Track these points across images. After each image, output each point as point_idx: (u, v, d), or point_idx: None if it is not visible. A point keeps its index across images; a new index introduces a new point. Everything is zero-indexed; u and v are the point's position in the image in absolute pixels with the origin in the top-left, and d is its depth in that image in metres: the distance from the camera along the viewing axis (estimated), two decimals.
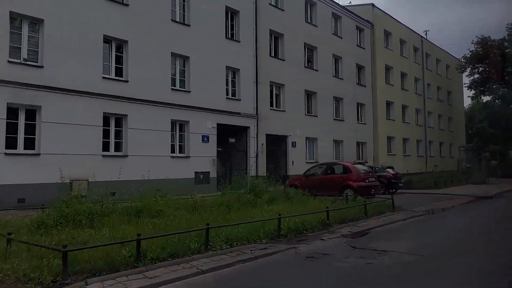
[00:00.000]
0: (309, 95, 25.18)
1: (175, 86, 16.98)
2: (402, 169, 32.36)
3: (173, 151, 16.68)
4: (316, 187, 14.22)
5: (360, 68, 30.32)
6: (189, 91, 17.30)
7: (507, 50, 37.85)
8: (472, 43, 38.97)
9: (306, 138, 24.19)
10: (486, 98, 41.49)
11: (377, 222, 9.44)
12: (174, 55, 16.95)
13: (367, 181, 13.73)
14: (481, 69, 39.46)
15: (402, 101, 34.59)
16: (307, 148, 24.50)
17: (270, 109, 21.79)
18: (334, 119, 26.77)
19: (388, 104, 33.06)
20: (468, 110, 51.90)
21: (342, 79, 27.77)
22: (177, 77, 17.17)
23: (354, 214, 9.99)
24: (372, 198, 13.50)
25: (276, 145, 22.39)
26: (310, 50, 25.45)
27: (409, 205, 12.79)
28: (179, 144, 17.10)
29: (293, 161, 22.73)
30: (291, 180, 17.13)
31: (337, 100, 27.51)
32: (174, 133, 16.94)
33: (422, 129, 37.75)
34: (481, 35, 38.32)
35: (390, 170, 18.99)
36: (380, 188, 15.01)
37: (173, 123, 16.80)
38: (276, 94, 22.73)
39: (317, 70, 25.40)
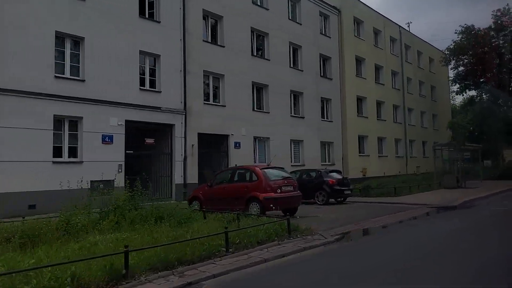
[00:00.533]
0: (259, 89, 21.89)
1: (63, 74, 13.65)
2: (378, 171, 29.15)
3: (58, 155, 13.34)
4: (219, 200, 10.99)
5: (325, 59, 27.04)
6: (83, 80, 13.97)
7: (493, 40, 34.74)
8: (456, 32, 35.88)
9: (255, 137, 20.87)
10: (472, 93, 38.30)
11: (222, 267, 5.83)
12: (61, 35, 13.64)
13: (279, 191, 10.27)
14: (465, 61, 36.38)
15: (377, 96, 31.31)
16: (256, 150, 21.18)
17: (205, 103, 18.48)
18: (291, 116, 23.44)
19: (360, 99, 29.77)
20: (460, 106, 48.75)
21: (302, 71, 24.47)
22: (67, 62, 13.85)
23: (208, 248, 6.45)
24: (289, 215, 10.16)
25: (213, 146, 19.08)
26: (259, 36, 22.16)
27: (332, 223, 9.52)
28: (69, 146, 13.76)
29: (236, 165, 19.37)
30: (195, 190, 13.49)
31: (296, 94, 24.22)
32: (62, 132, 13.60)
33: (402, 127, 34.46)
34: (465, 24, 35.24)
35: (335, 175, 15.53)
36: (300, 199, 11.22)
37: (60, 120, 13.47)
38: (215, 86, 19.44)
39: (268, 60, 22.12)
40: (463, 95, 37.26)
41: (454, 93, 37.42)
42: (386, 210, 12.20)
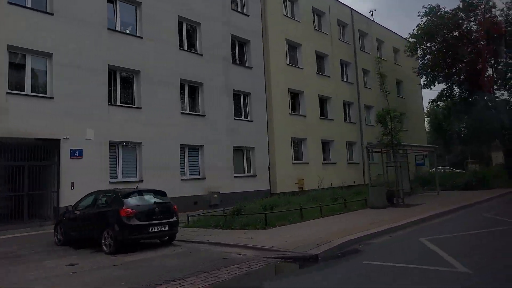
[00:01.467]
0: (125, 78, 16.14)
1: None
2: (324, 182, 23.33)
3: None
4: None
5: (242, 43, 21.39)
6: None
7: (461, 21, 29.26)
8: (419, 15, 30.34)
9: (112, 142, 15.02)
10: (441, 86, 32.65)
11: None
12: None
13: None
14: (433, 48, 30.86)
15: (319, 90, 25.61)
16: (120, 159, 15.33)
17: (13, 94, 12.69)
18: (183, 113, 17.66)
19: (294, 94, 24.07)
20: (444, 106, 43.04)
21: (202, 55, 18.78)
22: None
23: None
24: None
25: (34, 156, 13.19)
26: (126, 8, 16.47)
27: None
28: None
29: (73, 182, 13.49)
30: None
31: (192, 86, 18.50)
32: None
33: (356, 128, 28.75)
34: (429, 4, 29.76)
35: (140, 200, 9.08)
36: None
37: None
38: (35, 70, 13.66)
39: (141, 38, 16.41)
40: (431, 88, 31.67)
41: (421, 86, 31.87)
42: (205, 264, 6.48)
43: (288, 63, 23.67)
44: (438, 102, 32.06)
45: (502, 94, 30.39)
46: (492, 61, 29.36)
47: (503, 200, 16.22)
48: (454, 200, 15.48)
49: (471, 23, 29.63)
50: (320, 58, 26.59)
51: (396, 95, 34.86)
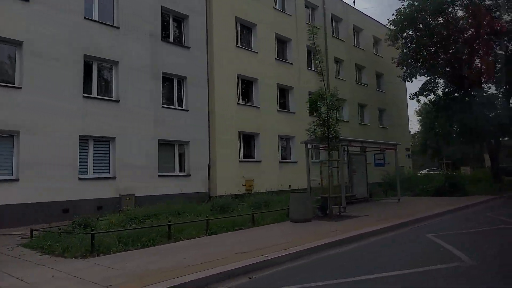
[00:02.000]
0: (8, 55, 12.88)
1: None
2: (279, 183, 20.09)
3: None
4: None
5: (178, 18, 18.12)
6: None
7: (445, 6, 25.95)
8: None
9: None
10: (422, 79, 29.37)
11: None
12: None
13: None
14: (415, 37, 27.60)
15: (280, 79, 22.33)
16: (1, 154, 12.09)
17: None
18: (86, 96, 14.35)
19: (247, 82, 20.80)
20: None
21: (118, 28, 15.50)
22: None
23: None
24: None
25: None
26: None
27: None
28: None
29: None
30: None
31: (103, 67, 15.24)
32: None
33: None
34: None
35: None
36: None
37: None
38: None
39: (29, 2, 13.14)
40: (411, 81, 28.37)
41: (400, 79, 28.62)
42: None
43: (239, 45, 20.38)
44: (420, 97, 28.74)
45: (489, 88, 27.09)
46: (481, 52, 26.08)
47: (464, 215, 12.61)
48: (406, 212, 12.18)
49: (457, 8, 26.39)
50: (281, 42, 23.31)
51: (375, 88, 31.62)
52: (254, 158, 20.38)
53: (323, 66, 12.70)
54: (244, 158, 19.88)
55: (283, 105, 23.09)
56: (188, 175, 17.34)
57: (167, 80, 17.26)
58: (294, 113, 23.09)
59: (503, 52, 26.39)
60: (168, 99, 17.24)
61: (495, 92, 27.18)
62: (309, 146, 14.68)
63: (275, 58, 22.29)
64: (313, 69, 25.33)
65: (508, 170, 44.64)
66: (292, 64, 23.39)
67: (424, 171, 52.39)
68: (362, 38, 30.81)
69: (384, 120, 32.61)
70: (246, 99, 20.72)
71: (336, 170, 12.87)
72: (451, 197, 17.15)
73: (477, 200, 15.76)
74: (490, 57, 26.12)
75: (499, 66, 25.97)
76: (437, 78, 28.14)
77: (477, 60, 26.80)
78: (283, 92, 23.21)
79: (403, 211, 12.45)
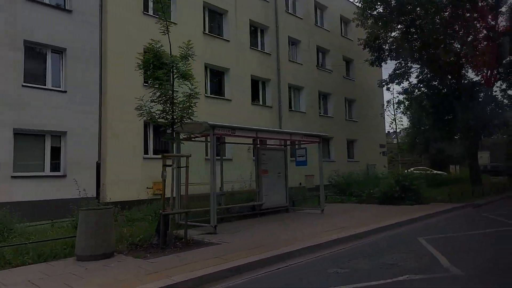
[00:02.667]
0: None
1: None
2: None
3: None
4: None
5: None
6: None
7: None
8: None
9: None
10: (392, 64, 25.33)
11: None
12: None
13: None
14: (384, 14, 23.53)
15: (211, 58, 18.29)
16: None
17: None
18: None
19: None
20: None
21: None
22: None
23: None
24: None
25: None
26: None
27: None
28: None
29: None
30: None
31: None
32: None
33: (272, 114, 21.48)
34: None
35: None
36: None
37: None
38: None
39: None
40: (379, 66, 24.31)
41: (367, 63, 24.58)
42: None
43: (144, 11, 16.33)
44: (390, 85, 24.71)
45: (466, 72, 23.11)
46: (461, 33, 22.03)
47: (384, 240, 8.21)
48: (299, 236, 8.18)
49: None
50: (213, 13, 19.28)
51: (343, 76, 27.60)
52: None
53: (165, 8, 8.58)
54: (153, 154, 15.90)
55: (217, 90, 19.12)
56: (64, 176, 13.38)
57: (32, 51, 13.26)
58: (229, 100, 19.11)
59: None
60: (35, 76, 13.22)
61: (478, 79, 23.19)
62: (181, 136, 10.45)
63: (204, 32, 18.26)
64: (259, 49, 21.33)
65: (499, 170, 40.78)
66: (228, 41, 19.36)
67: (410, 170, 48.57)
68: (327, 17, 26.76)
69: (354, 112, 28.63)
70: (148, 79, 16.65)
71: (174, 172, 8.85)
72: (399, 206, 13.28)
73: (428, 212, 11.88)
74: (472, 38, 22.18)
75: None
76: (410, 63, 24.15)
77: (457, 43, 22.86)
78: (216, 74, 19.24)
79: (298, 233, 8.49)
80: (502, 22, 21.87)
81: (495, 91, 23.10)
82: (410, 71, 24.42)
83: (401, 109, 24.37)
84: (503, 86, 22.88)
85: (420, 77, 24.44)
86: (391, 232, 8.93)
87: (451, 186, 20.94)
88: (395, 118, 20.47)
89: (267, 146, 12.74)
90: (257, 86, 21.20)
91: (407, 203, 13.45)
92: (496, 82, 22.75)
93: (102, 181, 14.11)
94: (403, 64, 24.16)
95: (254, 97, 20.96)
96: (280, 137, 10.82)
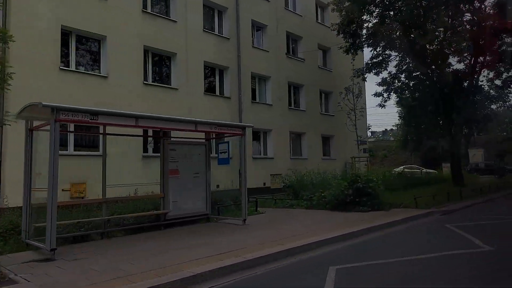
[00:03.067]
0: None
1: None
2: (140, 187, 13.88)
3: None
4: None
5: None
6: None
7: None
8: None
9: None
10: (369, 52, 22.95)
11: None
12: None
13: None
14: None
15: (148, 40, 15.96)
16: None
17: None
18: None
19: (83, 39, 14.44)
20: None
21: None
22: None
23: None
24: None
25: None
26: None
27: None
28: None
29: None
30: None
31: None
32: None
33: (232, 107, 19.20)
34: None
35: None
36: None
37: None
38: None
39: None
40: (355, 53, 21.92)
41: (342, 50, 22.24)
42: None
43: None
44: (366, 74, 22.38)
45: (450, 62, 20.78)
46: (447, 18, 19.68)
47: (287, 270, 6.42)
48: (155, 266, 5.93)
49: None
50: None
51: (318, 65, 25.30)
52: (95, 150, 14.13)
53: None
54: (74, 151, 13.66)
55: (162, 78, 16.85)
56: None
57: None
58: (177, 89, 16.85)
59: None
60: None
61: (463, 67, 20.87)
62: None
63: (143, 10, 15.95)
64: (216, 33, 19.00)
65: (492, 169, 38.34)
66: (176, 21, 17.04)
67: (400, 169, 46.22)
68: (299, 0, 24.40)
69: (331, 106, 26.32)
70: (65, 62, 14.27)
71: None
72: (350, 212, 11.05)
73: (376, 222, 9.61)
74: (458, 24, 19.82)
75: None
76: (389, 50, 21.80)
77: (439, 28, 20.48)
78: (163, 61, 16.98)
79: (165, 261, 6.18)
80: (489, 3, 19.55)
81: (481, 81, 20.78)
82: (389, 59, 22.10)
83: (381, 102, 21.81)
84: (491, 75, 20.51)
85: (401, 67, 22.07)
86: (296, 259, 6.61)
87: (432, 187, 18.71)
88: (354, 107, 16.26)
89: (179, 139, 10.41)
90: (213, 74, 18.93)
91: (361, 209, 11.20)
92: (483, 72, 20.43)
93: (3, 182, 11.92)
94: (381, 52, 21.85)
95: (211, 87, 18.71)
96: (179, 126, 8.50)
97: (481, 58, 19.80)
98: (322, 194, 12.35)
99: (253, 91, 20.74)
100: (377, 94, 22.38)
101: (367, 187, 11.38)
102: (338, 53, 23.64)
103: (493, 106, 21.07)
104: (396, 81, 22.51)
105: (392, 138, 71.04)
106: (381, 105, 22.65)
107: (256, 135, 20.61)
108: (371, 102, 66.37)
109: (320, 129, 24.75)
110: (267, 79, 21.43)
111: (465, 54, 19.72)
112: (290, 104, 22.75)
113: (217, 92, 18.92)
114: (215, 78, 19.01)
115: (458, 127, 20.20)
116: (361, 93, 18.44)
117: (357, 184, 11.40)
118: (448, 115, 19.83)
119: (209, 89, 18.59)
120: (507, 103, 19.58)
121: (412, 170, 40.64)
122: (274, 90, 21.59)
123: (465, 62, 20.51)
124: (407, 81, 22.29)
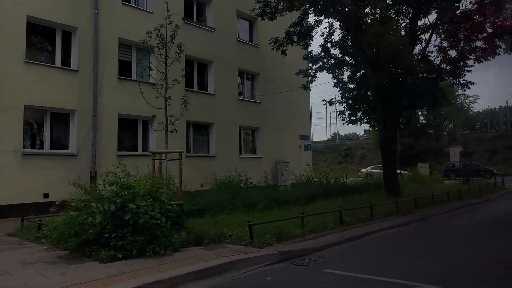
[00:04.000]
0: None
1: None
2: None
3: None
4: None
5: None
6: None
7: None
8: None
9: None
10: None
11: None
12: None
13: None
14: None
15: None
16: None
17: None
18: None
19: None
20: None
21: None
22: None
23: None
24: None
25: None
26: None
27: None
28: None
29: None
30: None
31: None
32: None
33: (84, 84, 13.78)
34: None
35: None
36: None
37: None
38: None
39: None
40: (270, 19, 16.44)
41: (254, 15, 16.72)
42: None
43: None
44: (286, 46, 16.91)
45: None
46: None
47: None
48: None
49: None
50: None
51: (236, 38, 19.93)
52: None
53: None
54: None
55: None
56: None
57: None
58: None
59: None
60: None
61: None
62: None
63: None
64: None
65: (473, 170, 32.52)
66: None
67: (367, 170, 40.72)
68: None
69: (257, 91, 20.96)
70: None
71: None
72: (87, 263, 5.70)
73: None
74: None
75: None
76: (315, 15, 16.35)
77: None
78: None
79: None
80: None
81: (431, 52, 15.33)
82: (318, 27, 16.69)
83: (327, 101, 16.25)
84: (444, 44, 15.02)
85: (331, 37, 16.62)
86: None
87: (356, 198, 13.36)
88: None
89: None
90: (51, 37, 13.51)
91: (108, 255, 5.74)
92: (422, 35, 15.14)
93: None
94: (303, 16, 16.45)
95: (40, 53, 13.30)
96: None
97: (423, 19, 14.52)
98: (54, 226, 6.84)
99: (124, 64, 15.34)
100: (301, 72, 16.91)
101: (132, 211, 5.83)
102: (270, 26, 18.09)
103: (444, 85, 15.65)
104: (329, 57, 17.08)
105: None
106: (329, 102, 17.19)
107: (128, 125, 15.24)
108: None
109: (238, 119, 19.38)
110: (148, 50, 16.00)
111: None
112: (188, 85, 17.31)
113: (56, 62, 13.44)
114: (54, 43, 13.58)
115: (392, 113, 14.75)
116: None
117: (118, 212, 5.89)
118: (384, 99, 14.45)
119: (38, 57, 13.19)
120: (461, 79, 14.23)
121: (380, 170, 35.40)
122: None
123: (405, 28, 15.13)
124: (342, 56, 16.88)
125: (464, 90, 14.41)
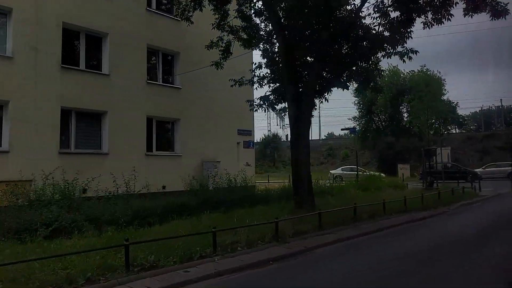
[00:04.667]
0: None
1: None
2: None
3: None
4: None
5: None
6: None
7: None
8: None
9: None
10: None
11: None
12: None
13: None
14: None
15: None
16: None
17: None
18: None
19: None
20: None
21: None
22: None
23: None
24: None
25: None
26: None
27: None
28: None
29: None
30: None
31: None
32: None
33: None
34: None
35: None
36: None
37: None
38: None
39: None
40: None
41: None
42: None
43: None
44: (190, 12, 13.22)
45: None
46: None
47: None
48: None
49: None
50: None
51: (145, 8, 16.28)
52: None
53: None
54: None
55: None
56: None
57: None
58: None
59: None
60: None
61: None
62: None
63: None
64: None
65: (447, 173, 28.00)
66: None
67: (337, 171, 36.79)
68: None
69: (176, 73, 17.28)
70: None
71: None
72: None
73: None
74: None
75: None
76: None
77: None
78: None
79: None
80: None
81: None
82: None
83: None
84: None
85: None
86: None
87: (260, 209, 9.70)
88: None
89: None
90: None
91: None
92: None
93: None
94: None
95: None
96: None
97: None
98: None
99: None
100: (213, 45, 13.12)
101: None
102: None
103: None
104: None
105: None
106: (239, 83, 13.44)
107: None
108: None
109: (146, 107, 15.70)
110: (6, 12, 12.35)
111: None
112: (69, 62, 13.62)
113: None
114: None
115: (306, 87, 11.03)
116: None
117: None
118: (294, 69, 10.73)
119: None
120: (400, 45, 10.49)
121: (352, 172, 31.77)
122: (24, 36, 12.49)
123: None
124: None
125: (404, 61, 10.67)
